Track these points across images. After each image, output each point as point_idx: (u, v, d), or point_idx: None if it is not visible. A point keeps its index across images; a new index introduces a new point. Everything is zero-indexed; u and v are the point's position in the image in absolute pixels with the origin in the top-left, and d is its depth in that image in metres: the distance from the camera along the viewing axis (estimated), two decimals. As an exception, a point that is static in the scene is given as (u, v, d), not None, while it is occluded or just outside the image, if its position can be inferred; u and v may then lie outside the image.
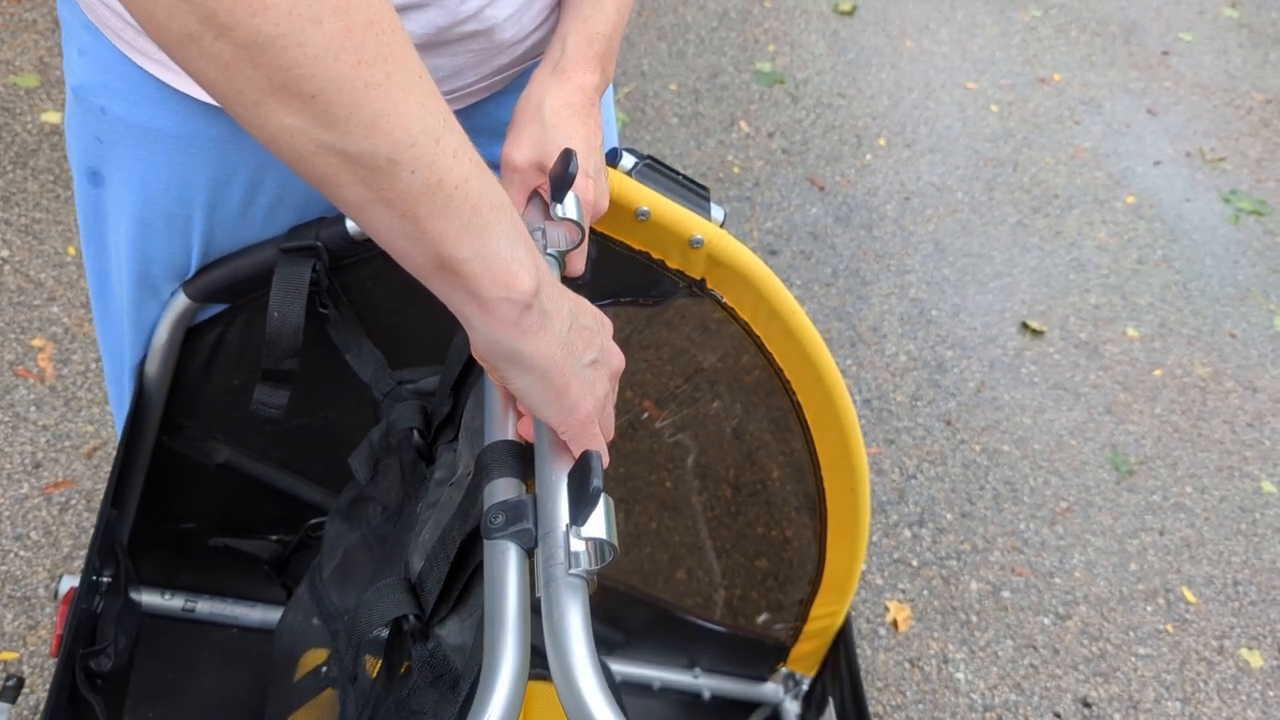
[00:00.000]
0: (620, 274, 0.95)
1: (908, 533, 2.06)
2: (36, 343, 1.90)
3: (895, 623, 1.91)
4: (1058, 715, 1.84)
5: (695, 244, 0.90)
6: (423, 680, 0.71)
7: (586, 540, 0.58)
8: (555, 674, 0.56)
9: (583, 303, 0.67)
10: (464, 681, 0.69)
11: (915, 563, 2.02)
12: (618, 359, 0.69)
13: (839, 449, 1.11)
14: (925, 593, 1.97)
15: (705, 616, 1.41)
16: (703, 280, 0.96)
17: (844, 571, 1.27)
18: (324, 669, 1.10)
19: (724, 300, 0.98)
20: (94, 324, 1.01)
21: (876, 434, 2.23)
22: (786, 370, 1.04)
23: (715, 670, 1.47)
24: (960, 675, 1.86)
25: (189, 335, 0.94)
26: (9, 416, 1.78)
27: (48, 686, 1.47)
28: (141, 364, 0.95)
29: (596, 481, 0.57)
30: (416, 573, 0.72)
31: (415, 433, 0.88)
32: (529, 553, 0.61)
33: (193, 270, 0.88)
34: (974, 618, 1.95)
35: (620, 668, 1.45)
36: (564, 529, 0.59)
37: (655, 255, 0.93)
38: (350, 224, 0.87)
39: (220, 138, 0.78)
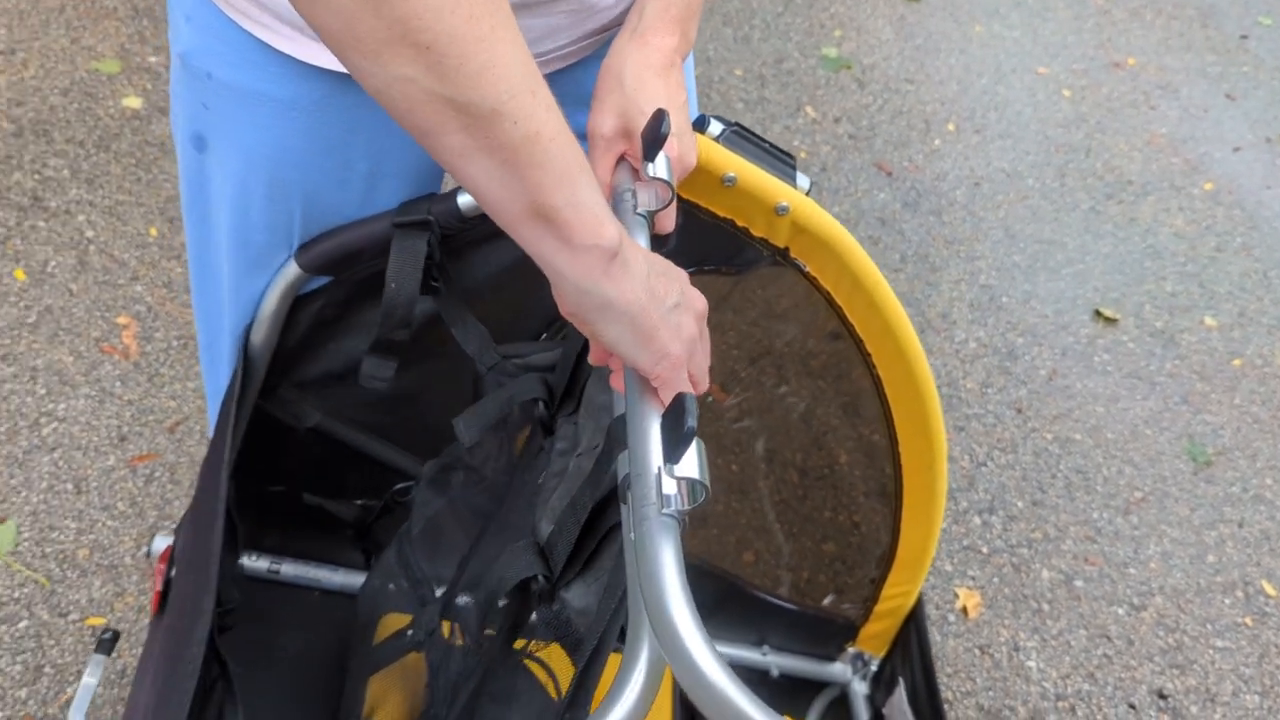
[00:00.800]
0: (703, 242, 0.96)
1: (977, 520, 2.04)
2: (121, 320, 1.95)
3: (965, 609, 1.89)
4: (1132, 706, 1.81)
5: (780, 211, 0.90)
6: (543, 641, 0.73)
7: (679, 480, 0.59)
8: (650, 612, 0.56)
9: (655, 256, 0.69)
10: (586, 643, 0.71)
11: (985, 550, 1.99)
12: (700, 301, 0.70)
13: (919, 423, 1.10)
14: (995, 580, 1.95)
15: (774, 594, 1.41)
16: (786, 249, 0.95)
17: (918, 549, 1.26)
18: (409, 633, 1.12)
19: (807, 269, 0.98)
20: (191, 293, 1.03)
21: (946, 421, 2.21)
22: (868, 342, 1.03)
23: (783, 648, 1.46)
24: (1032, 663, 1.84)
25: (292, 304, 0.96)
26: (96, 391, 1.83)
27: (136, 651, 1.51)
28: (247, 331, 0.97)
29: (691, 421, 0.57)
30: (545, 537, 0.74)
31: (540, 404, 0.91)
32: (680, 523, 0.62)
33: (295, 238, 0.89)
34: (1046, 606, 1.92)
35: None
36: (656, 471, 0.59)
37: (740, 222, 0.93)
38: (462, 199, 0.89)
39: (320, 102, 0.80)
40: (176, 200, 2.20)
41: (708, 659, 0.54)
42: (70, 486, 1.69)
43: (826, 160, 2.77)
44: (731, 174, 0.87)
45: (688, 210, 0.91)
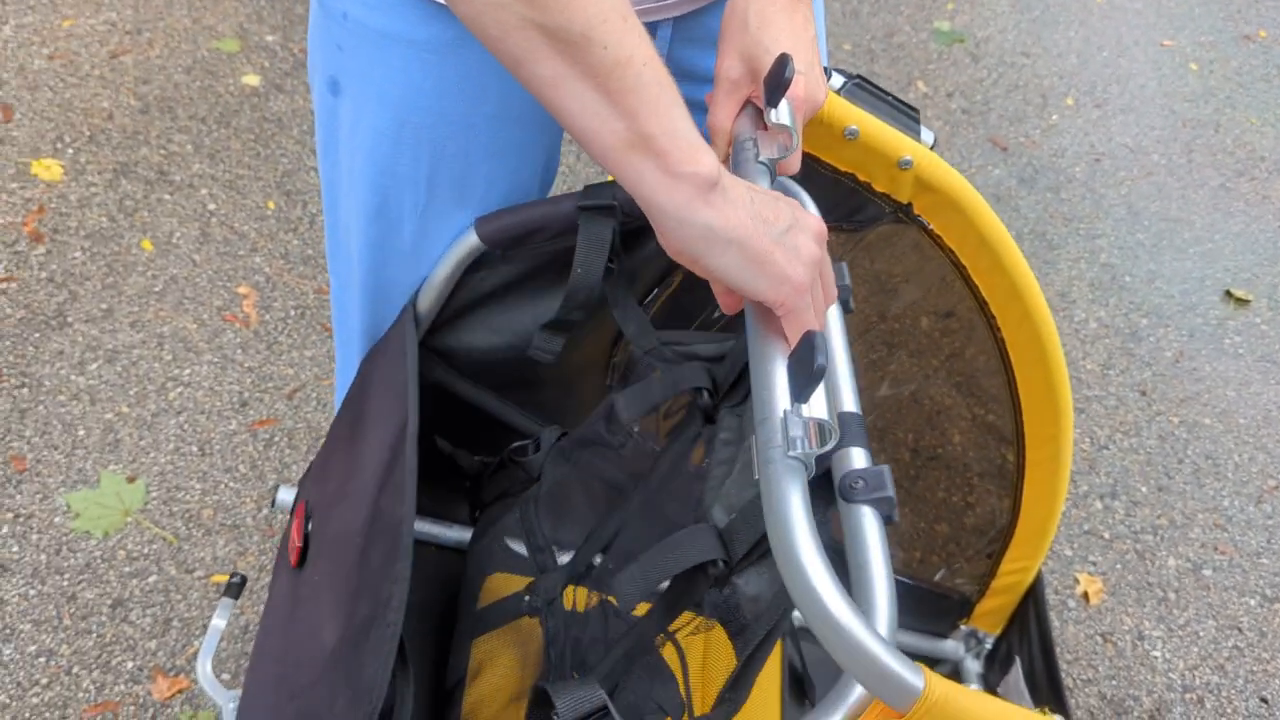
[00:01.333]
0: (824, 197, 0.93)
1: (1099, 504, 1.97)
2: (241, 290, 2.00)
3: (1086, 595, 1.82)
4: (1264, 700, 1.73)
5: (904, 165, 0.87)
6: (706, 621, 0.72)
7: (808, 421, 0.57)
8: (778, 557, 0.55)
9: (761, 188, 0.67)
10: (752, 629, 0.72)
11: (1107, 535, 1.92)
12: (817, 224, 0.67)
13: (1044, 389, 1.06)
14: (1118, 566, 1.87)
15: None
16: (909, 205, 0.92)
17: (1040, 522, 1.21)
18: (525, 598, 1.12)
19: (930, 227, 0.94)
20: (325, 242, 1.04)
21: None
22: (992, 304, 0.99)
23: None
24: (1157, 653, 1.76)
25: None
26: (218, 358, 1.88)
27: (257, 608, 1.55)
28: (415, 297, 0.97)
29: (821, 359, 0.55)
30: (724, 524, 0.74)
31: (704, 393, 0.91)
32: (887, 519, 0.62)
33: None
34: (1172, 595, 1.85)
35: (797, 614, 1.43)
36: (781, 413, 0.58)
37: (862, 177, 0.90)
38: None
39: (451, 44, 0.80)
40: (293, 175, 2.24)
41: (840, 605, 0.53)
42: (195, 449, 1.74)
43: (939, 136, 2.70)
44: (853, 127, 0.85)
45: (808, 164, 0.88)
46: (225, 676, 1.48)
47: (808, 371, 0.56)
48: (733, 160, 0.76)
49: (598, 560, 1.12)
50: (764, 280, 0.63)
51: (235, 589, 1.08)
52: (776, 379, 0.60)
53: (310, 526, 0.95)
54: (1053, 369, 1.03)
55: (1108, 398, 2.15)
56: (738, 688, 0.73)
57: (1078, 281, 2.38)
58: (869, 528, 0.60)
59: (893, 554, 1.46)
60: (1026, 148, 2.71)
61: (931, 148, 0.89)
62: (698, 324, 1.10)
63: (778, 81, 0.70)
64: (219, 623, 1.04)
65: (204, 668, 1.02)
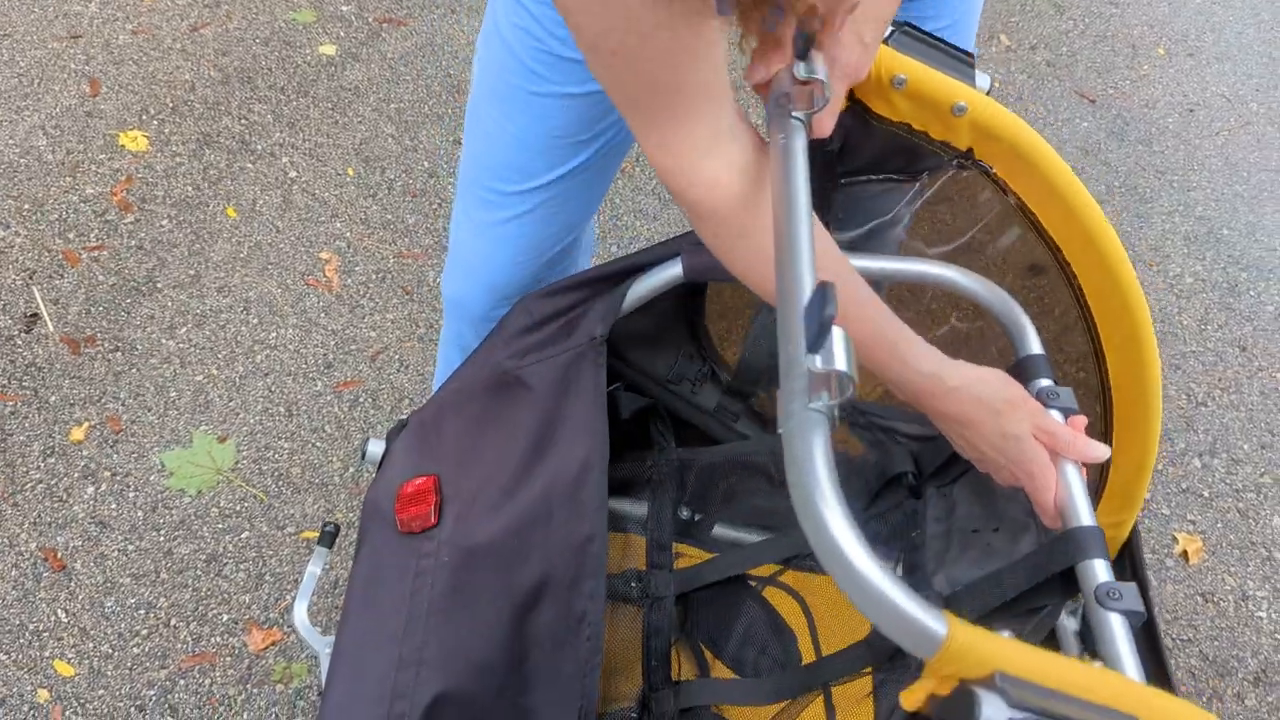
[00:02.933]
0: (881, 147, 0.91)
1: (1197, 462, 1.90)
2: (324, 255, 2.02)
3: (1185, 554, 1.76)
4: (1379, 664, 1.66)
5: (958, 111, 0.84)
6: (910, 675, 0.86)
7: (828, 374, 0.56)
8: (798, 508, 0.54)
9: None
10: None
11: (1206, 494, 1.85)
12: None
13: (1127, 336, 1.01)
14: (1219, 525, 1.81)
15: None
16: (969, 151, 0.89)
17: (1132, 474, 1.16)
18: (633, 585, 1.14)
19: (993, 171, 0.91)
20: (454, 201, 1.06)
21: (1161, 357, 2.06)
22: (1066, 251, 0.95)
23: None
24: (1263, 614, 1.70)
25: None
26: (303, 321, 1.90)
27: (348, 562, 1.57)
28: (604, 325, 0.99)
29: (831, 309, 0.54)
30: (948, 593, 0.88)
31: (910, 475, 1.03)
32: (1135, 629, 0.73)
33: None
34: (1278, 554, 1.78)
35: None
36: (803, 366, 0.57)
37: (917, 126, 0.88)
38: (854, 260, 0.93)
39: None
40: (370, 142, 2.26)
41: (860, 555, 0.52)
42: (282, 410, 1.77)
43: (1023, 89, 2.62)
44: (901, 75, 0.83)
45: (860, 116, 0.87)
46: (316, 629, 1.50)
47: (818, 320, 0.56)
48: (768, 113, 0.75)
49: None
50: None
51: (329, 538, 1.09)
52: (797, 329, 0.60)
53: (445, 507, 0.95)
54: (1135, 314, 0.98)
55: (1205, 354, 2.08)
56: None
57: (1172, 235, 2.30)
58: (1120, 635, 0.72)
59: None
60: (1116, 99, 2.61)
61: (988, 92, 0.86)
62: None
63: (804, 35, 0.69)
64: (315, 570, 1.05)
65: (300, 613, 1.04)
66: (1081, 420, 0.91)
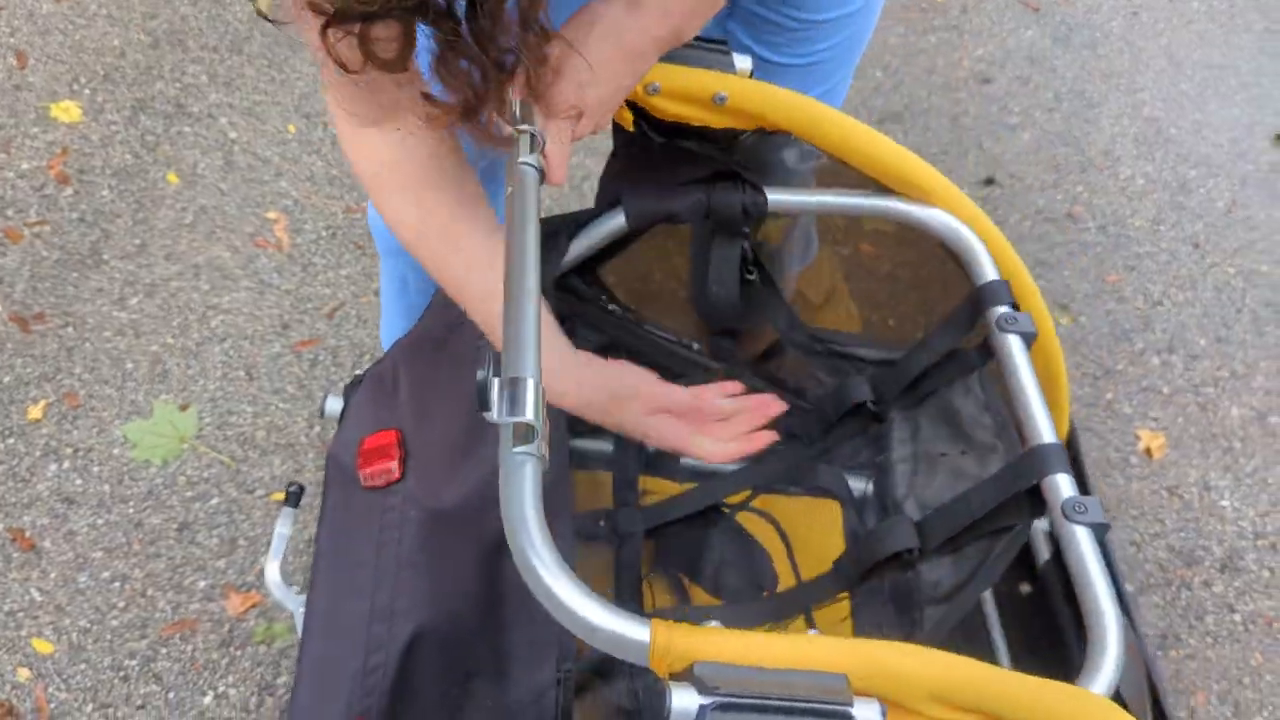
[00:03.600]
0: (679, 169, 0.94)
1: (1156, 360, 1.93)
2: (271, 215, 1.98)
3: (1148, 451, 1.79)
4: (1339, 542, 1.70)
5: (719, 101, 0.87)
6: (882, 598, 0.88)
7: (523, 424, 0.62)
8: (511, 545, 0.59)
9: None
10: (918, 608, 0.84)
11: (1167, 390, 1.88)
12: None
13: (992, 242, 1.01)
14: (1180, 420, 1.84)
15: None
16: (760, 129, 0.92)
17: (1047, 384, 1.17)
18: (601, 523, 1.13)
19: (793, 136, 0.93)
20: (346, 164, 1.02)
21: (1115, 260, 2.08)
22: (884, 181, 0.94)
23: None
24: (1226, 503, 1.74)
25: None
26: (256, 283, 1.87)
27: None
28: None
29: (480, 372, 0.62)
30: (918, 518, 0.89)
31: (869, 404, 1.02)
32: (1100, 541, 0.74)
33: None
34: (1238, 444, 1.81)
35: None
36: (505, 420, 0.62)
37: (695, 123, 0.90)
38: (771, 196, 0.93)
39: None
40: (310, 97, 2.21)
41: (566, 588, 0.57)
42: (242, 373, 1.75)
43: (967, 2, 2.60)
44: (655, 83, 0.85)
45: (647, 132, 0.91)
46: (294, 588, 1.50)
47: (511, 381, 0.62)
48: (505, 165, 0.76)
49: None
50: None
51: (294, 498, 1.09)
52: (498, 389, 0.63)
53: (408, 461, 0.94)
54: (975, 217, 0.98)
55: (1160, 253, 2.10)
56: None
57: (1121, 138, 2.31)
58: (1087, 547, 0.73)
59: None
60: (1059, 6, 2.60)
61: (751, 74, 0.89)
62: None
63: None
64: (284, 530, 1.05)
65: (272, 573, 1.03)
66: (720, 388, 1.00)
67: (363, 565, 0.89)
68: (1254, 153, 2.28)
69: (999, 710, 0.57)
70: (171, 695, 1.41)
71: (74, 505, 1.57)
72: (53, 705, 1.39)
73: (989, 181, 2.20)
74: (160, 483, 1.60)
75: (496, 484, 0.62)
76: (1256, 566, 1.67)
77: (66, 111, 2.10)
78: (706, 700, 0.50)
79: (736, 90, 0.87)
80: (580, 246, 0.98)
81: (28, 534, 1.54)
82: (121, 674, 1.42)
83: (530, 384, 0.61)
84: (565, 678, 0.75)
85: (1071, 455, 1.24)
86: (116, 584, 1.50)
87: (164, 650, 1.45)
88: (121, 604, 1.48)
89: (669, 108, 0.88)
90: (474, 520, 0.87)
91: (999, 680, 0.57)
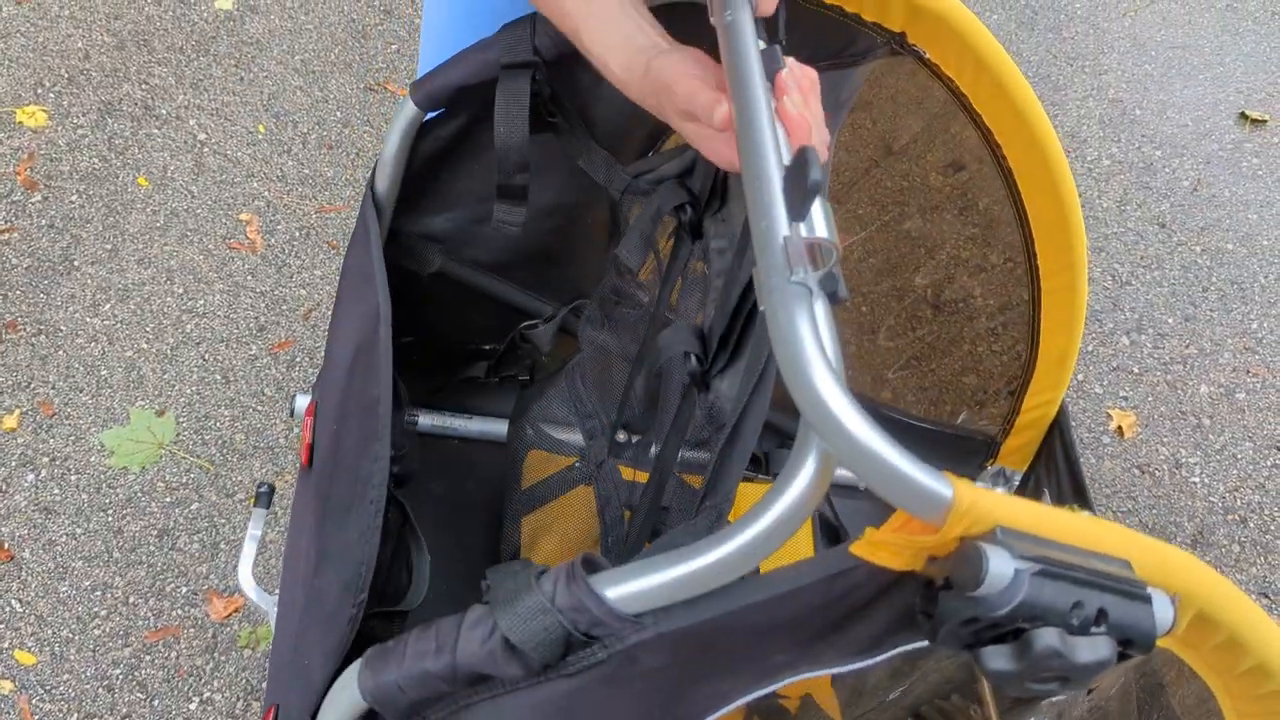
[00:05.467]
0: (813, 34, 0.90)
1: (1125, 340, 1.95)
2: (243, 217, 1.98)
3: (1120, 429, 1.82)
4: (1307, 515, 1.74)
5: None
6: (700, 427, 0.73)
7: (811, 244, 0.54)
8: (790, 386, 0.52)
9: None
10: (728, 423, 0.71)
11: (1136, 369, 1.91)
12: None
13: (1055, 216, 1.03)
14: (1150, 399, 1.87)
15: (909, 415, 1.37)
16: (903, 34, 0.88)
17: (1060, 353, 1.20)
18: (575, 465, 1.13)
19: (927, 56, 0.91)
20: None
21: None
22: (997, 132, 0.96)
23: None
24: (1196, 479, 1.77)
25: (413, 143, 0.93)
26: (230, 286, 1.87)
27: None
28: (371, 179, 0.95)
29: (815, 174, 0.52)
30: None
31: (687, 208, 0.88)
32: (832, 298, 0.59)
33: None
34: (1207, 421, 1.84)
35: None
36: (781, 239, 0.55)
37: (850, 8, 0.86)
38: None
39: None
40: (279, 96, 2.20)
41: (861, 427, 0.51)
42: (219, 377, 1.74)
43: (932, -13, 2.62)
44: None
45: (794, 1, 0.84)
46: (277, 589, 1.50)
47: (803, 187, 0.53)
48: None
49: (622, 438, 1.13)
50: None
51: (265, 498, 1.09)
52: (775, 197, 0.57)
53: (317, 425, 0.95)
54: (1063, 195, 1.00)
55: (1126, 234, 2.12)
56: (715, 493, 0.72)
57: (1087, 120, 2.33)
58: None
59: (915, 401, 1.46)
60: (1024, -11, 2.63)
61: None
62: None
63: None
64: (255, 531, 1.05)
65: (245, 575, 1.04)
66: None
67: (307, 547, 0.89)
68: (1218, 132, 2.31)
69: (1248, 639, 0.53)
70: (156, 703, 1.41)
71: (53, 514, 1.57)
72: (37, 717, 1.39)
73: (957, 169, 2.21)
74: (139, 489, 1.60)
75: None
76: (1227, 541, 1.70)
77: (32, 116, 2.08)
78: (1022, 565, 0.48)
79: None
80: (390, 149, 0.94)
81: (6, 545, 1.53)
82: (105, 683, 1.42)
83: (821, 200, 0.54)
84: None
85: (1059, 425, 1.27)
86: (98, 592, 1.50)
87: (148, 658, 1.45)
88: (104, 612, 1.48)
89: None
90: (351, 463, 0.86)
91: (1259, 614, 0.55)
